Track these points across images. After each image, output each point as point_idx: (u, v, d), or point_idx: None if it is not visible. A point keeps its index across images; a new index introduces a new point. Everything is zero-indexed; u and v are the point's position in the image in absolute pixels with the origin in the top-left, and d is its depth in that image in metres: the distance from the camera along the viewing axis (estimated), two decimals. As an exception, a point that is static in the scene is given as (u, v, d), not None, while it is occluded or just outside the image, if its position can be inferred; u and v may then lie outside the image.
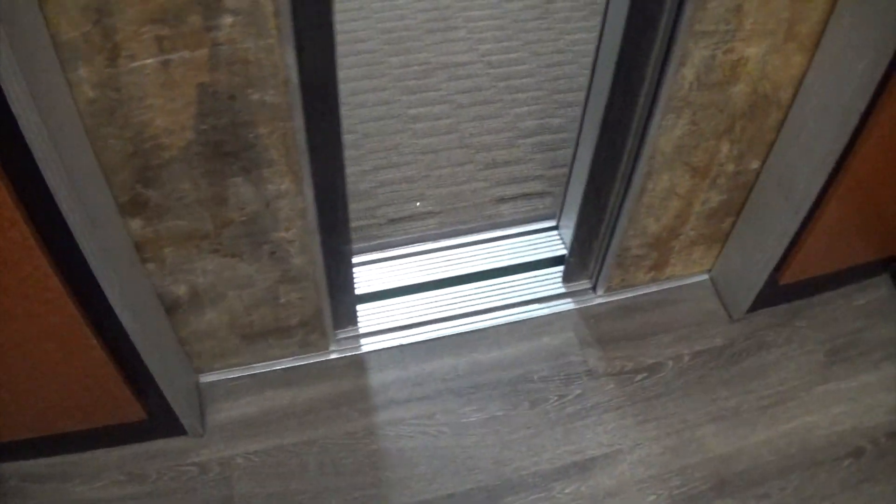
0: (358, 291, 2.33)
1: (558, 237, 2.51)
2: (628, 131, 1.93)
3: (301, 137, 1.57)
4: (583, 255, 2.33)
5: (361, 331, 2.27)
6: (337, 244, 1.93)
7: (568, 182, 2.31)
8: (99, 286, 1.49)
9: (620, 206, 2.11)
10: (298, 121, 1.53)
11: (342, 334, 2.24)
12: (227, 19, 1.32)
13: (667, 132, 1.88)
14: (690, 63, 1.71)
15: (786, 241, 2.09)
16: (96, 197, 1.46)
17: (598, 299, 2.39)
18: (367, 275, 2.39)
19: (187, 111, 1.43)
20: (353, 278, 2.13)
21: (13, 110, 1.14)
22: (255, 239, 1.76)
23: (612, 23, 1.79)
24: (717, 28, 1.65)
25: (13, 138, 1.18)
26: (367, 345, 2.25)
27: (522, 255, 2.47)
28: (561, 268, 2.43)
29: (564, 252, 2.46)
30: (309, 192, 1.69)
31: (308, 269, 1.89)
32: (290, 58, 1.42)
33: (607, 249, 2.25)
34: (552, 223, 2.54)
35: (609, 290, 2.38)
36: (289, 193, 1.67)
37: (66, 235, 1.37)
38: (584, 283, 2.41)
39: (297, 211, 1.72)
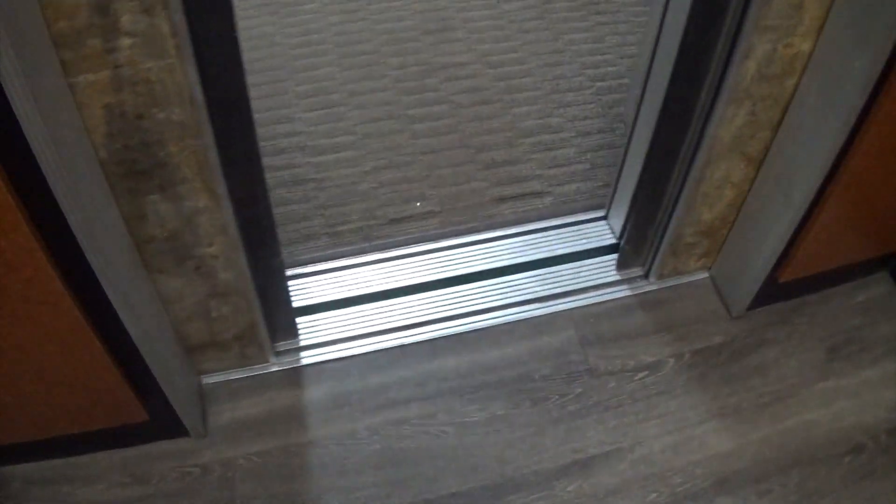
0: (357, 293, 2.35)
1: (607, 227, 2.54)
2: (689, 121, 1.97)
3: (213, 154, 1.57)
4: (637, 243, 2.36)
5: (352, 333, 2.28)
6: (266, 258, 1.93)
7: (620, 172, 2.34)
8: (101, 288, 1.49)
9: (678, 195, 2.14)
10: (208, 138, 1.53)
11: (285, 346, 2.24)
12: (126, 41, 1.32)
13: (727, 122, 1.92)
14: (753, 56, 1.76)
15: (785, 239, 2.09)
16: (98, 199, 1.47)
17: (651, 286, 2.42)
18: (366, 276, 2.40)
19: (98, 132, 1.44)
20: (287, 291, 2.12)
21: (16, 112, 1.14)
22: (178, 255, 1.76)
23: (672, 16, 1.84)
24: (779, 23, 1.70)
25: (16, 141, 1.18)
26: (341, 350, 2.25)
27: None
28: (607, 257, 2.47)
29: (610, 241, 2.51)
30: (228, 208, 1.69)
31: (236, 284, 1.89)
32: (193, 76, 1.42)
33: (662, 238, 2.28)
34: (601, 213, 2.58)
35: (661, 277, 2.41)
36: (207, 209, 1.67)
37: (69, 238, 1.37)
38: (637, 271, 2.44)
39: (217, 227, 1.72)
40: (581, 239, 2.52)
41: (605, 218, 2.56)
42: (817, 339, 2.33)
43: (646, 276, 2.43)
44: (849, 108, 1.75)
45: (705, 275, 2.44)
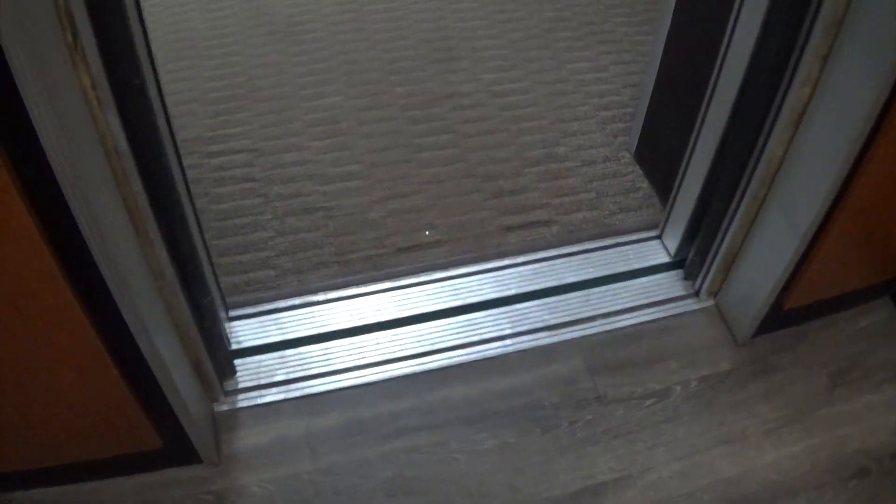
0: (367, 321, 2.38)
1: (661, 245, 2.61)
2: (753, 144, 2.04)
3: (143, 200, 1.59)
4: (697, 261, 2.42)
5: (363, 362, 2.30)
6: (198, 299, 1.95)
7: (677, 192, 2.42)
8: (120, 315, 1.52)
9: (734, 214, 2.20)
10: (137, 185, 1.56)
11: (231, 385, 2.25)
12: None
13: (783, 144, 1.96)
14: (810, 82, 1.81)
15: (790, 268, 2.11)
16: (117, 226, 1.51)
17: (704, 303, 2.47)
18: (376, 304, 2.42)
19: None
20: (222, 331, 2.15)
21: (42, 141, 1.18)
22: None
23: (738, 45, 1.96)
24: None
25: (41, 169, 1.22)
26: (354, 379, 2.27)
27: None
28: (657, 276, 2.54)
29: (664, 260, 2.59)
30: (162, 252, 1.71)
31: (179, 325, 1.91)
32: (116, 126, 1.45)
33: (715, 255, 2.34)
34: (655, 232, 2.65)
35: (711, 294, 2.45)
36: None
37: (90, 264, 1.40)
38: (689, 288, 2.50)
39: (155, 270, 1.73)
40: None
41: (659, 237, 2.63)
42: (821, 364, 2.35)
43: (696, 293, 2.48)
44: (855, 134, 1.77)
45: (711, 302, 2.46)
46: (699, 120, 2.21)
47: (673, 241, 2.54)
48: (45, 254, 1.33)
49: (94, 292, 1.46)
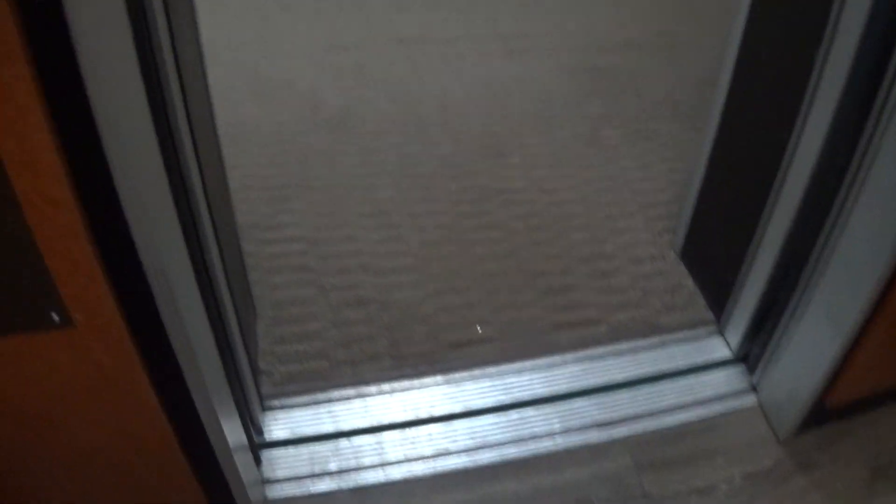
0: (420, 415, 2.43)
1: (722, 341, 2.66)
2: (815, 242, 2.08)
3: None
4: (758, 355, 2.46)
5: (416, 455, 2.34)
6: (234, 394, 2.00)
7: (743, 286, 2.47)
8: (193, 404, 1.59)
9: (797, 305, 2.23)
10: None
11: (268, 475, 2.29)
12: None
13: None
14: (856, 182, 1.87)
15: (833, 366, 2.14)
16: (194, 314, 1.58)
17: (755, 398, 2.50)
18: (429, 398, 2.47)
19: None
20: (249, 423, 2.19)
21: (133, 237, 1.27)
22: None
23: (806, 143, 2.01)
24: None
25: (131, 260, 1.30)
26: (405, 472, 2.31)
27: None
28: (712, 372, 2.58)
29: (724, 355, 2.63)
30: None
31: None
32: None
33: (773, 352, 2.38)
34: (713, 327, 2.70)
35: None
36: None
37: (169, 355, 1.48)
38: (745, 383, 2.54)
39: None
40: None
41: (720, 333, 2.67)
42: (862, 460, 2.37)
43: (753, 388, 2.51)
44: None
45: (754, 401, 2.49)
46: (763, 218, 2.26)
47: (734, 336, 2.58)
48: (127, 339, 1.41)
49: (168, 377, 1.53)
